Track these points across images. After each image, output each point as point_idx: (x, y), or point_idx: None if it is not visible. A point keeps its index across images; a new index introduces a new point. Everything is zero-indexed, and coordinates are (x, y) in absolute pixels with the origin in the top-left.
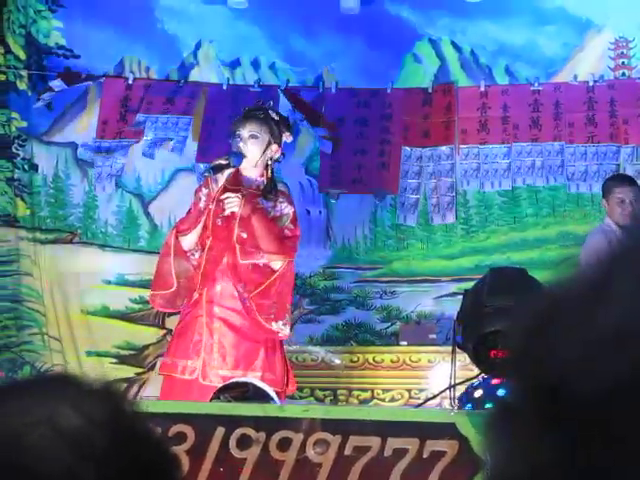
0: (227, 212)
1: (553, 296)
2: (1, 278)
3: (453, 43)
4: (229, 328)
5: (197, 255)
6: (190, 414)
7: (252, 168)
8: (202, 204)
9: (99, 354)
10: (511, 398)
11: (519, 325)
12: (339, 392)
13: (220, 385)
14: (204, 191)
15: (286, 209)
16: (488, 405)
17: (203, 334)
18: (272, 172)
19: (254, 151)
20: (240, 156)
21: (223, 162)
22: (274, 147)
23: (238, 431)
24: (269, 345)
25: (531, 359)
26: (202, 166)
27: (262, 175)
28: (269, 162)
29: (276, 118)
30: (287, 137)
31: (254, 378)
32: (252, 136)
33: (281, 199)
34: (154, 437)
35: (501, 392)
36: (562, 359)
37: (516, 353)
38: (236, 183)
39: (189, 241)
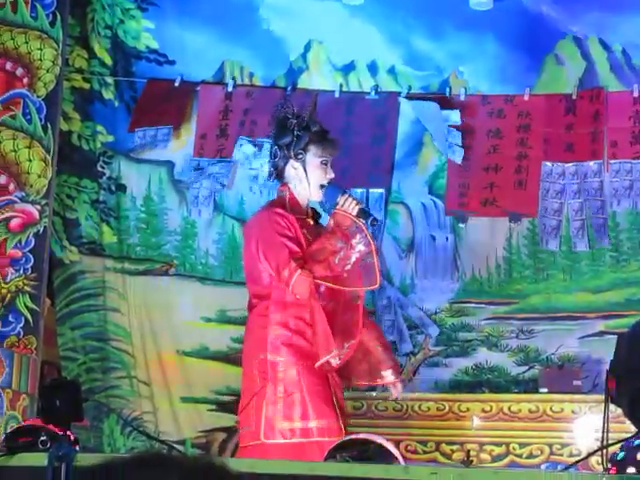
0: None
1: None
2: (86, 314)
3: (602, 41)
4: (340, 379)
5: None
6: (303, 475)
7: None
8: (356, 254)
9: (196, 400)
10: None
11: None
12: (469, 447)
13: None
14: (359, 238)
15: None
16: None
17: (331, 389)
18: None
19: (331, 179)
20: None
21: (361, 203)
22: None
23: None
24: None
25: None
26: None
27: None
28: None
29: None
30: None
31: (375, 435)
32: (332, 165)
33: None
34: None
35: None
36: None
37: None
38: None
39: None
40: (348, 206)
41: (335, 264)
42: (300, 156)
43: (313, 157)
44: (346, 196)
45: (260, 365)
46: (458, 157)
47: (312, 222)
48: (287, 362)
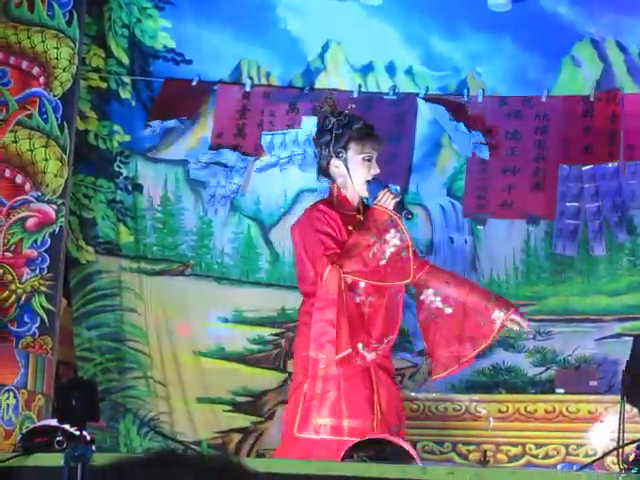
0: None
1: None
2: (102, 314)
3: (618, 43)
4: (389, 377)
5: (357, 299)
6: (319, 475)
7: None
8: (391, 249)
9: (212, 401)
10: None
11: None
12: (485, 447)
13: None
14: (394, 233)
15: None
16: None
17: (374, 388)
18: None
19: (377, 174)
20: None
21: (398, 197)
22: None
23: None
24: None
25: None
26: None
27: None
28: None
29: None
30: None
31: (393, 435)
32: (377, 160)
33: None
34: None
35: None
36: None
37: None
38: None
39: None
40: (385, 200)
41: (369, 259)
42: (340, 154)
43: (354, 154)
44: (384, 191)
45: (302, 362)
46: (486, 153)
47: (362, 218)
48: (329, 359)
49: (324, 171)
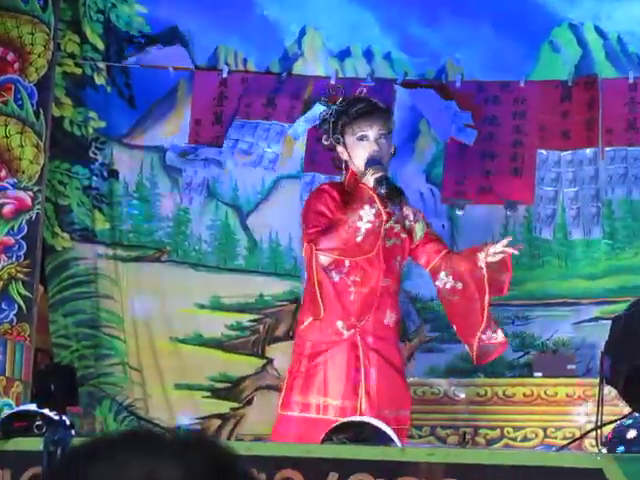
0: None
1: None
2: (79, 301)
3: (597, 28)
4: (385, 361)
5: (337, 278)
6: (299, 458)
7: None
8: (367, 225)
9: (190, 387)
10: None
11: None
12: (464, 430)
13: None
14: (368, 209)
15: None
16: None
17: (361, 369)
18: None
19: (386, 151)
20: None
21: (383, 173)
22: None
23: (354, 477)
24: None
25: None
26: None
27: None
28: None
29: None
30: None
31: (372, 418)
32: (382, 135)
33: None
34: None
35: None
36: None
37: None
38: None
39: (328, 260)
40: (367, 178)
41: (345, 236)
42: (339, 141)
43: (350, 137)
44: (369, 168)
45: (297, 339)
46: (471, 138)
47: None
48: (315, 338)
49: (338, 158)
